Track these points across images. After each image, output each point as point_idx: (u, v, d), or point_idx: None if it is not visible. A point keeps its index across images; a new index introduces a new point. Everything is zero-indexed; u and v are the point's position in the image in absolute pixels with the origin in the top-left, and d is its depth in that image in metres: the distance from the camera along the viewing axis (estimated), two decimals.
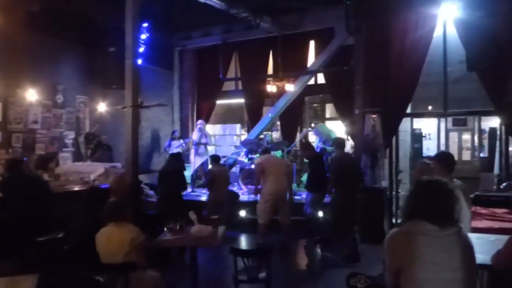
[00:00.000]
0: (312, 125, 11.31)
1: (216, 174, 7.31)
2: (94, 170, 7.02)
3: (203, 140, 9.87)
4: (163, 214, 5.99)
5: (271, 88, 9.19)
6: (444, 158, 3.50)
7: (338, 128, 11.02)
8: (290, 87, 9.18)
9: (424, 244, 2.04)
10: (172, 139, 10.17)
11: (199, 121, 10.18)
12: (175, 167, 6.78)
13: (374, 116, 7.81)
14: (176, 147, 9.95)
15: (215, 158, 7.60)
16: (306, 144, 8.18)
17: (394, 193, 8.14)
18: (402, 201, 8.39)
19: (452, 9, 6.68)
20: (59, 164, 7.80)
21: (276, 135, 12.13)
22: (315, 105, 12.85)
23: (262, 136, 10.70)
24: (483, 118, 8.90)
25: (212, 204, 7.19)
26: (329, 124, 11.70)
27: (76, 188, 6.23)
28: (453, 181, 3.39)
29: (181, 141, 10.31)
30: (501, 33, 6.02)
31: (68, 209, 4.82)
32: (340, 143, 6.43)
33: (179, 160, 7.10)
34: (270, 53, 10.60)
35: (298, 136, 10.49)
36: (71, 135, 8.53)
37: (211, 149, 10.58)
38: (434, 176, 2.33)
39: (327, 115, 12.54)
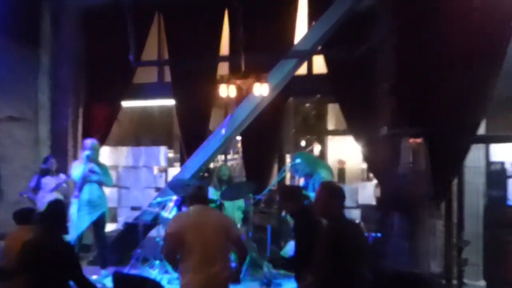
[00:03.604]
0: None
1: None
2: None
3: (94, 177, 9.59)
4: None
5: (225, 91, 9.01)
6: None
7: (349, 149, 11.31)
8: (261, 89, 9.01)
9: None
10: (44, 173, 9.97)
11: (89, 142, 9.83)
12: (58, 234, 6.38)
13: (416, 141, 7.88)
14: (50, 190, 9.77)
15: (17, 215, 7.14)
16: (286, 189, 7.98)
17: (455, 283, 8.06)
18: None
19: None
20: None
21: (235, 162, 12.67)
22: (307, 106, 13.02)
23: (212, 166, 11.00)
24: None
25: None
26: (335, 142, 12.48)
27: None
28: None
29: (62, 177, 10.14)
30: None
31: None
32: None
33: (61, 216, 6.59)
34: (224, 17, 10.73)
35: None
36: None
37: (111, 194, 10.57)
38: None
39: (330, 126, 12.85)
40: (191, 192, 6.88)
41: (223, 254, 6.47)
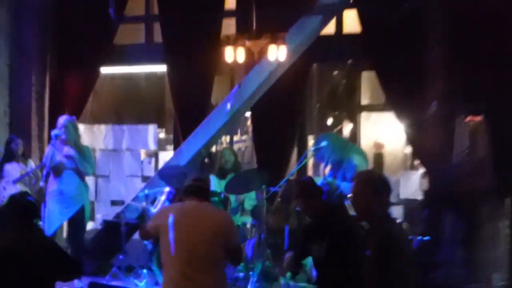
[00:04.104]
0: None
1: None
2: None
3: (69, 164, 9.51)
4: None
5: (232, 53, 9.02)
6: None
7: (388, 129, 11.79)
8: (277, 53, 9.03)
9: None
10: (8, 157, 10.15)
11: (62, 119, 9.68)
12: (34, 235, 6.28)
13: (474, 120, 8.39)
14: (14, 180, 9.89)
15: None
16: (305, 184, 7.72)
17: None
18: None
19: None
20: None
21: (243, 145, 12.94)
22: (336, 74, 13.07)
23: (215, 150, 11.30)
24: None
25: None
26: (370, 119, 12.57)
27: None
28: None
29: (31, 164, 10.30)
30: None
31: None
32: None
33: (30, 213, 6.35)
34: None
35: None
36: None
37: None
38: None
39: (364, 100, 12.82)
40: (186, 184, 6.57)
41: (216, 264, 6.16)
